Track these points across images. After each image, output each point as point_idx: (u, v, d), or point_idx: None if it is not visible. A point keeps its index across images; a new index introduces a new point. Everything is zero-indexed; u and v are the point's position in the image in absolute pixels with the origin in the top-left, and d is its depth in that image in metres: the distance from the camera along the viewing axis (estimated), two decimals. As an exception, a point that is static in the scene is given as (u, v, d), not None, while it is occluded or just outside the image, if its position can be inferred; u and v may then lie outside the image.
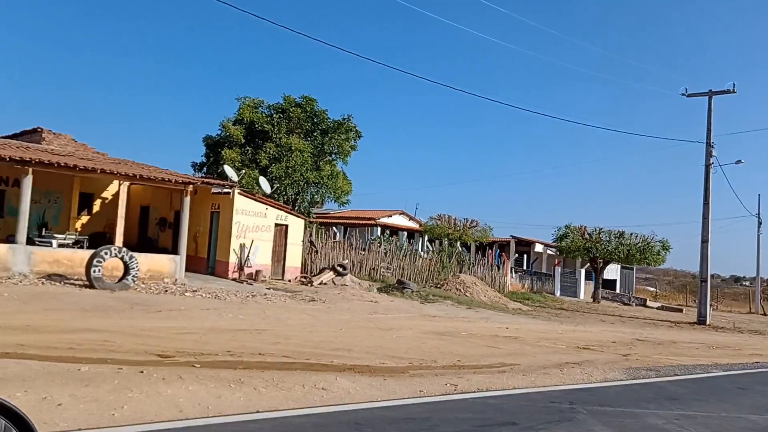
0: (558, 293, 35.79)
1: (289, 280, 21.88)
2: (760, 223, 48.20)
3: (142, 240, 23.85)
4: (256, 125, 28.60)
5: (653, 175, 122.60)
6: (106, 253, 14.75)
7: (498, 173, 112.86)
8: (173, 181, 17.92)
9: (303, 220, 23.59)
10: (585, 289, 37.38)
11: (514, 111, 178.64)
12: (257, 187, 24.39)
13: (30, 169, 15.27)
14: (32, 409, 4.91)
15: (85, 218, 22.17)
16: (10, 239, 15.98)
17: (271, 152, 27.71)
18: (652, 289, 55.84)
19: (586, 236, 35.21)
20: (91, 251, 15.13)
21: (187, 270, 17.98)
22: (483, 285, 27.01)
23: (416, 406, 6.35)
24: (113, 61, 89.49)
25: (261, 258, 21.27)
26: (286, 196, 28.19)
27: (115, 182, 20.04)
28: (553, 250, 39.38)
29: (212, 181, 21.76)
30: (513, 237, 42.30)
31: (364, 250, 27.85)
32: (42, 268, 15.29)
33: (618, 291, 42.11)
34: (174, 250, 18.63)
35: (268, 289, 18.39)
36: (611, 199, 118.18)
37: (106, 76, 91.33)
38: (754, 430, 6.76)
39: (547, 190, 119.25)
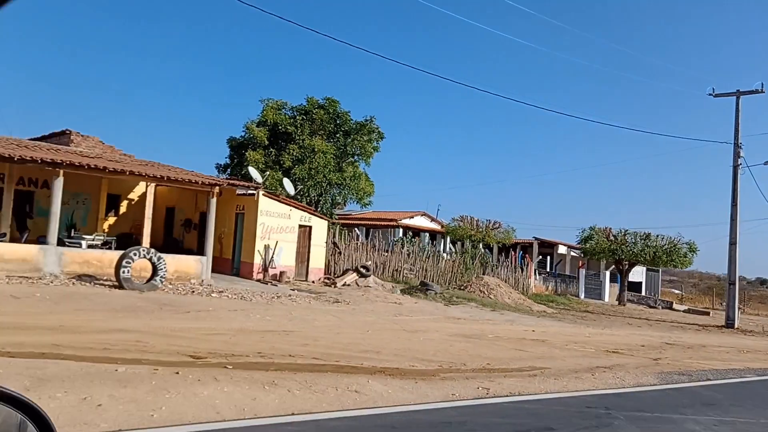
0: (582, 295, 35.38)
1: (313, 282, 21.93)
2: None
3: (167, 241, 24.08)
4: (280, 127, 28.78)
5: (678, 176, 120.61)
6: (134, 254, 14.91)
7: (522, 175, 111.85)
8: (200, 182, 18.05)
9: (326, 222, 23.63)
10: (610, 291, 36.89)
11: (537, 111, 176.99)
12: (281, 189, 24.51)
13: (61, 171, 15.49)
14: (73, 410, 4.98)
15: (112, 219, 22.46)
16: (41, 240, 16.22)
17: (295, 154, 27.85)
18: (677, 291, 54.90)
19: (611, 238, 34.74)
20: (120, 252, 15.30)
21: (212, 271, 18.11)
22: (507, 287, 26.81)
23: (451, 410, 6.32)
24: (136, 63, 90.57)
25: (285, 259, 21.34)
26: (309, 198, 28.30)
27: (142, 184, 20.27)
28: (577, 251, 38.93)
29: (237, 182, 21.92)
30: (536, 238, 41.93)
31: (387, 251, 27.84)
32: (72, 269, 15.50)
33: (643, 293, 41.52)
34: (199, 251, 18.78)
35: (293, 290, 18.44)
36: (635, 201, 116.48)
37: (128, 77, 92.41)
38: (796, 438, 6.60)
39: (571, 191, 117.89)
